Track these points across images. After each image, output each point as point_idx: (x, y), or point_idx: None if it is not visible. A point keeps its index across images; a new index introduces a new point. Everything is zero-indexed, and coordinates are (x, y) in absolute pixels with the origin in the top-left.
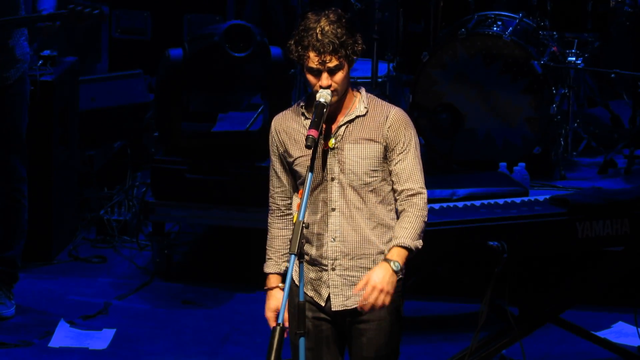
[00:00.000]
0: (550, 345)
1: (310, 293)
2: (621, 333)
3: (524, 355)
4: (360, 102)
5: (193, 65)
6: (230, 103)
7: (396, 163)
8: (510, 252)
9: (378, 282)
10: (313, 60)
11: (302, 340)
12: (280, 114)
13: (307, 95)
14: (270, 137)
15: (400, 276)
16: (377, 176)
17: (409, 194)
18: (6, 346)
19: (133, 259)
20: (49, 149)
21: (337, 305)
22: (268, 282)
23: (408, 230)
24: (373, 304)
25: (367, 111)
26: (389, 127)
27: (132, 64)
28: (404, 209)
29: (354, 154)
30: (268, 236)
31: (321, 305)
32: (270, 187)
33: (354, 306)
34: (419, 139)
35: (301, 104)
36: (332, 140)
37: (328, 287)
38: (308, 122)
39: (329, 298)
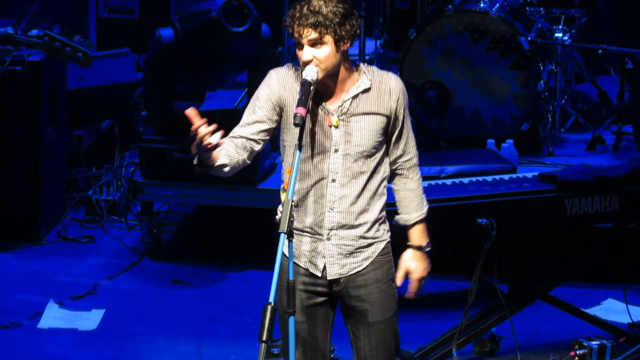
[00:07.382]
0: (540, 323)
1: (305, 265)
2: (610, 310)
3: (513, 332)
4: (362, 75)
5: (185, 45)
6: (216, 82)
7: (397, 131)
8: (499, 229)
9: (419, 273)
10: (295, 32)
11: (292, 319)
12: (282, 70)
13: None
14: (267, 86)
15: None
16: (380, 147)
17: (406, 159)
18: None
19: (122, 238)
20: (37, 129)
21: (332, 273)
22: None
23: (417, 202)
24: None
25: (371, 84)
26: (395, 100)
27: (119, 43)
28: (406, 177)
29: (361, 126)
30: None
31: (317, 276)
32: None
33: (349, 273)
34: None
35: (299, 67)
36: (334, 117)
37: (324, 257)
38: None
39: (324, 268)
